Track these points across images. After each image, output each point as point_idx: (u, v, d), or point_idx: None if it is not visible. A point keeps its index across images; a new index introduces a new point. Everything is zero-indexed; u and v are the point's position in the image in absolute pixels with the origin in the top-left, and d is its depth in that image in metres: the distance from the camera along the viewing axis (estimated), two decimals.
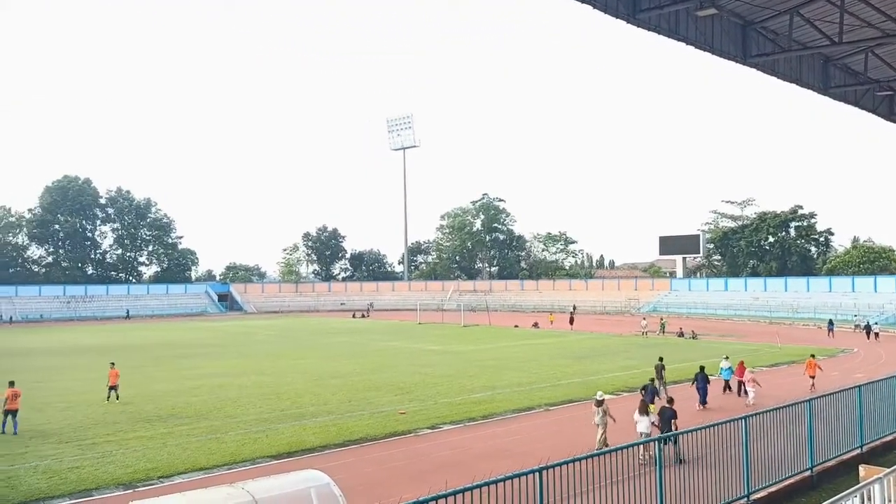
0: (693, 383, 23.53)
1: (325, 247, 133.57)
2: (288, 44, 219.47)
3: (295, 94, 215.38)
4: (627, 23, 16.76)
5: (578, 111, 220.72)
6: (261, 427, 20.50)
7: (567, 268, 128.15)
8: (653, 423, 16.50)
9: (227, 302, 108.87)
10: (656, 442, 12.05)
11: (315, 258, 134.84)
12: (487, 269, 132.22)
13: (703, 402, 22.97)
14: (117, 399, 24.95)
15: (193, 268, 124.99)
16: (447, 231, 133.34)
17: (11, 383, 20.59)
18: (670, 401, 17.03)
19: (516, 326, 64.57)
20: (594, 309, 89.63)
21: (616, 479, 10.34)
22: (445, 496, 7.86)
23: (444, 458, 16.84)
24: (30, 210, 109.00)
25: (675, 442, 13.12)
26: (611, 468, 10.29)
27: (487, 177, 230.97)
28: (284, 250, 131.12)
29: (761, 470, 13.09)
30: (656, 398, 20.64)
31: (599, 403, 17.27)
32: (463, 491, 8.02)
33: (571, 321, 61.98)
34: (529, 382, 28.79)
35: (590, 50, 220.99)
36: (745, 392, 24.31)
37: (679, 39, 17.83)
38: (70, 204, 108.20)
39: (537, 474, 9.10)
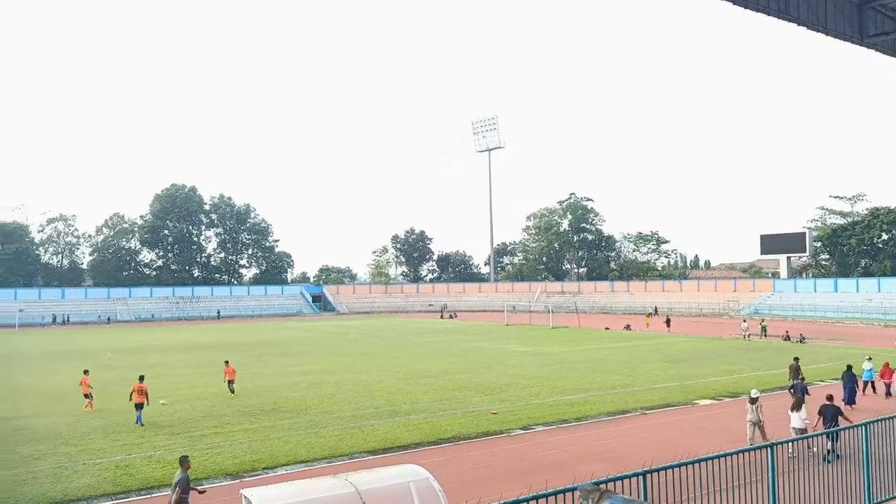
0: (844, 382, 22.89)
1: (413, 249, 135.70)
2: (376, 47, 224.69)
3: (383, 99, 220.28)
4: (734, 4, 15.95)
5: (670, 105, 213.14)
6: (356, 423, 21.01)
7: (659, 268, 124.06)
8: (805, 420, 16.32)
9: (320, 303, 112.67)
10: (823, 437, 12.65)
11: (403, 260, 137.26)
12: (575, 270, 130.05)
13: (851, 401, 22.18)
14: (232, 393, 26.26)
15: (289, 270, 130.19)
16: (533, 232, 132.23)
17: (141, 378, 21.99)
18: (829, 398, 16.77)
19: (607, 328, 63.08)
20: (689, 311, 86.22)
21: (735, 484, 9.83)
22: (548, 495, 7.72)
23: (540, 459, 16.63)
24: (141, 217, 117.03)
25: (836, 438, 13.38)
26: (727, 472, 9.78)
27: (574, 176, 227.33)
28: (374, 253, 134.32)
29: None
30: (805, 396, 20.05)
31: (753, 401, 17.09)
32: (566, 491, 7.85)
33: (668, 323, 59.77)
34: (624, 385, 28.01)
35: (679, 39, 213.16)
36: (889, 393, 24.30)
37: (789, 20, 16.77)
38: (178, 210, 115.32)
39: (641, 478, 8.80)
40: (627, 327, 62.98)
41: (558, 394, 26.02)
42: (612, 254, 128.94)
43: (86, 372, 25.26)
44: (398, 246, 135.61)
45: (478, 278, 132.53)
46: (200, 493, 12.66)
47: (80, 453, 17.76)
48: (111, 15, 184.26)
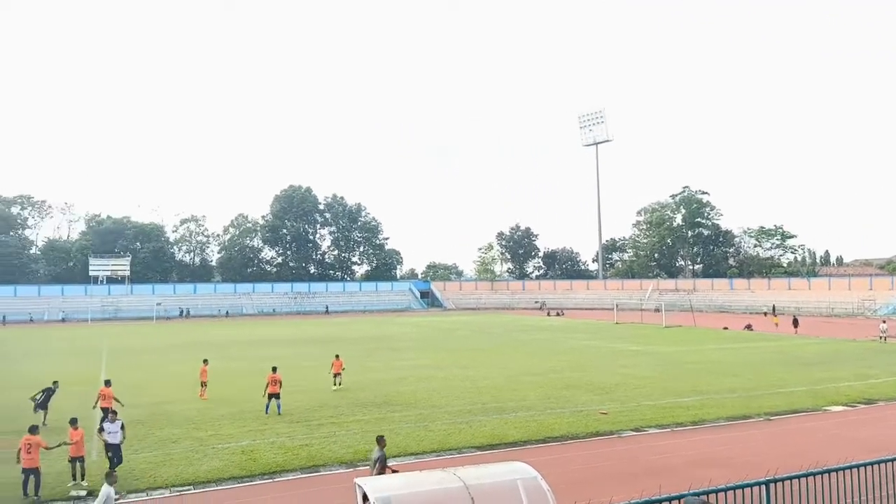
0: None
1: (519, 245, 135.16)
2: (477, 44, 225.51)
3: (487, 95, 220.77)
4: None
5: (793, 89, 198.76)
6: (464, 418, 21.25)
7: (784, 265, 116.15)
8: None
9: (428, 299, 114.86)
10: None
11: (509, 257, 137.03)
12: (690, 267, 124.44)
13: None
14: (339, 385, 27.37)
15: (398, 267, 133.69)
16: (644, 227, 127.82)
17: (274, 369, 23.24)
18: None
19: (726, 328, 59.87)
20: (819, 311, 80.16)
21: (869, 498, 9.09)
22: (662, 501, 7.48)
23: (652, 463, 16.09)
24: (263, 217, 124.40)
25: None
26: (860, 485, 9.06)
27: (687, 168, 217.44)
28: (480, 249, 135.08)
29: None
30: None
31: None
32: (680, 497, 7.57)
33: (795, 324, 55.82)
34: (744, 388, 26.49)
35: (804, 18, 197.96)
36: None
37: None
38: (295, 210, 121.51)
39: (764, 487, 8.32)
40: (748, 327, 59.45)
41: (672, 396, 25.02)
42: (731, 249, 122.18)
43: (205, 362, 26.93)
44: (504, 243, 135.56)
45: (585, 275, 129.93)
46: (394, 471, 13.01)
47: (210, 438, 19.12)
48: (236, 19, 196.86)
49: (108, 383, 21.30)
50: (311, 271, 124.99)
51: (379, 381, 29.13)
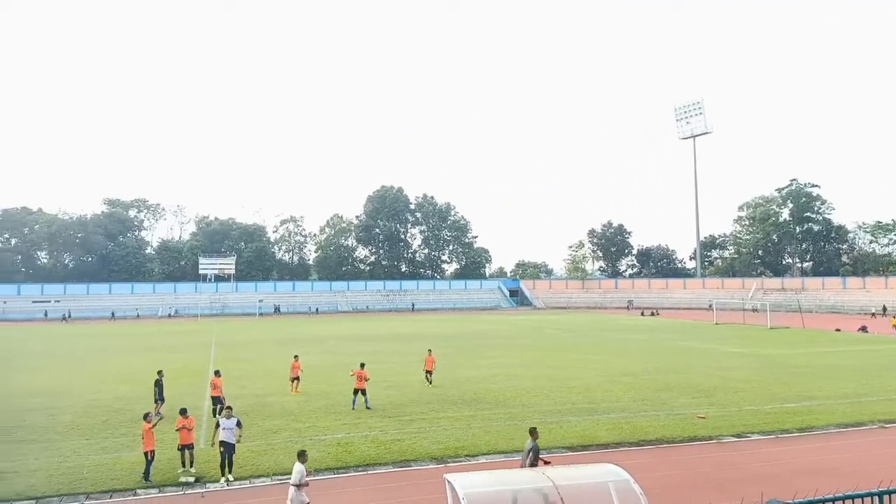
0: None
1: (611, 243, 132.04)
2: (570, 38, 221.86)
3: (579, 91, 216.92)
4: None
5: None
6: (554, 418, 21.05)
7: None
8: None
9: (517, 297, 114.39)
10: None
11: (600, 255, 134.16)
12: (798, 265, 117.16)
13: None
14: (430, 383, 27.72)
15: (487, 265, 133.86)
16: (746, 223, 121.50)
17: (362, 365, 24.02)
18: None
19: (838, 330, 56.00)
20: None
21: None
22: None
23: (755, 470, 15.33)
24: (357, 217, 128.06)
25: None
26: None
27: (794, 161, 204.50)
28: (570, 247, 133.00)
29: None
30: None
31: None
32: None
33: None
34: (858, 394, 24.72)
35: None
36: None
37: None
38: (387, 210, 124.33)
39: (877, 498, 7.77)
40: (863, 329, 55.35)
41: (777, 401, 23.71)
42: (844, 246, 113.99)
43: (296, 357, 27.87)
44: (595, 240, 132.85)
45: (682, 273, 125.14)
46: (546, 462, 13.23)
47: (308, 430, 19.93)
48: (337, 21, 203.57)
49: (217, 374, 22.72)
50: (403, 270, 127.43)
51: (468, 379, 29.32)
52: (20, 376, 32.08)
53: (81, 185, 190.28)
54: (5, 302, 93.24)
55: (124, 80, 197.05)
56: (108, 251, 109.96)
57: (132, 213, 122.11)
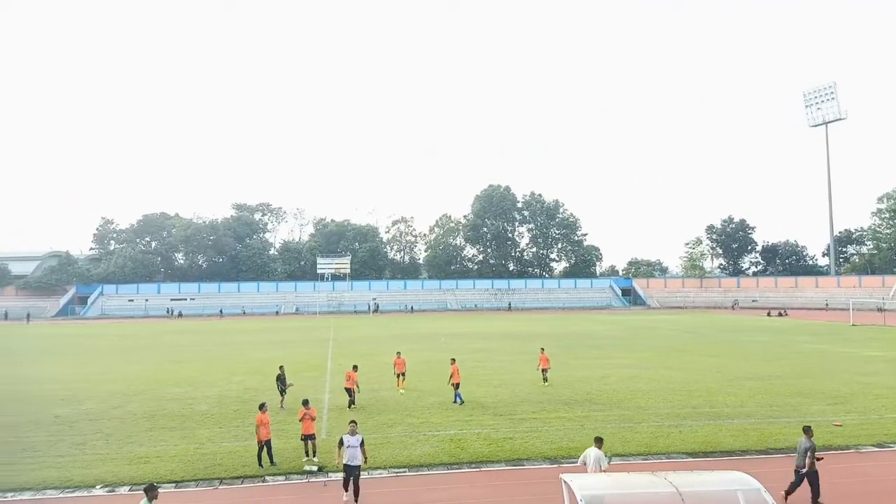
0: None
1: (731, 239, 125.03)
2: (686, 25, 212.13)
3: (694, 76, 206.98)
4: None
5: None
6: (673, 421, 20.21)
7: None
8: None
9: (629, 296, 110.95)
10: None
11: (720, 252, 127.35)
12: None
13: None
14: (546, 381, 27.45)
15: (597, 263, 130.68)
16: (887, 216, 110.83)
17: (453, 360, 24.46)
18: None
19: None
20: None
21: None
22: None
23: None
24: (464, 216, 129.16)
25: None
26: None
27: None
28: (686, 244, 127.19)
29: None
30: None
31: None
32: None
33: None
34: None
35: None
36: None
37: None
38: (494, 209, 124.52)
39: None
40: None
41: None
42: None
43: (399, 354, 28.41)
44: (714, 236, 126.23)
45: (813, 271, 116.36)
46: (819, 459, 13.01)
47: (422, 425, 20.34)
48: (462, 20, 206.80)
49: (355, 368, 24.09)
50: (511, 268, 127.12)
51: (580, 379, 28.77)
52: (163, 367, 35.02)
53: (213, 192, 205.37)
54: (147, 300, 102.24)
55: (251, 94, 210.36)
56: (236, 252, 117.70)
57: (257, 216, 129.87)
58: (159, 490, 10.97)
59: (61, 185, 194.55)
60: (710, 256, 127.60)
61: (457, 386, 23.65)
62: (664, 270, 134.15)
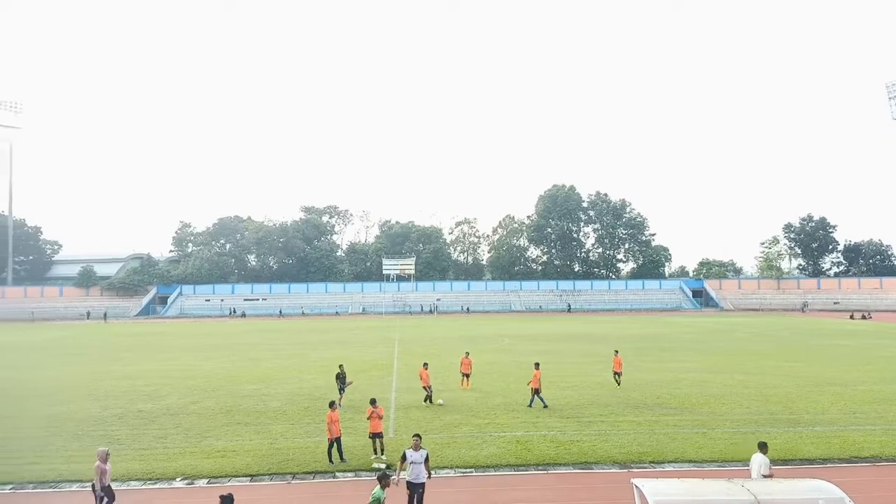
0: None
1: (811, 239, 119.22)
2: (761, 19, 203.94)
3: (769, 71, 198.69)
4: None
5: None
6: (749, 428, 19.47)
7: None
8: None
9: (701, 298, 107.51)
10: None
11: (799, 252, 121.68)
12: None
13: None
14: (619, 384, 26.93)
15: (666, 264, 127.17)
16: None
17: (536, 365, 24.16)
18: None
19: None
20: None
21: None
22: None
23: None
24: (528, 217, 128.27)
25: None
26: None
27: None
28: (762, 244, 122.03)
29: None
30: None
31: None
32: None
33: None
34: None
35: None
36: None
37: None
38: (559, 209, 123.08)
39: None
40: None
41: None
42: None
43: (466, 354, 28.63)
44: (792, 236, 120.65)
45: None
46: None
47: (487, 426, 20.32)
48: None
49: (426, 366, 24.68)
50: (576, 269, 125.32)
51: (650, 382, 28.08)
52: (238, 365, 36.33)
53: (283, 195, 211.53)
54: (222, 300, 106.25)
55: (320, 101, 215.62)
56: (305, 254, 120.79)
57: (325, 218, 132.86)
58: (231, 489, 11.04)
59: (143, 191, 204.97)
60: (787, 256, 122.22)
61: (536, 391, 23.17)
62: (738, 271, 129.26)
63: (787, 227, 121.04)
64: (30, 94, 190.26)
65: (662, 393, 25.50)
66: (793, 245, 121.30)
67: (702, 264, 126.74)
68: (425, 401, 23.72)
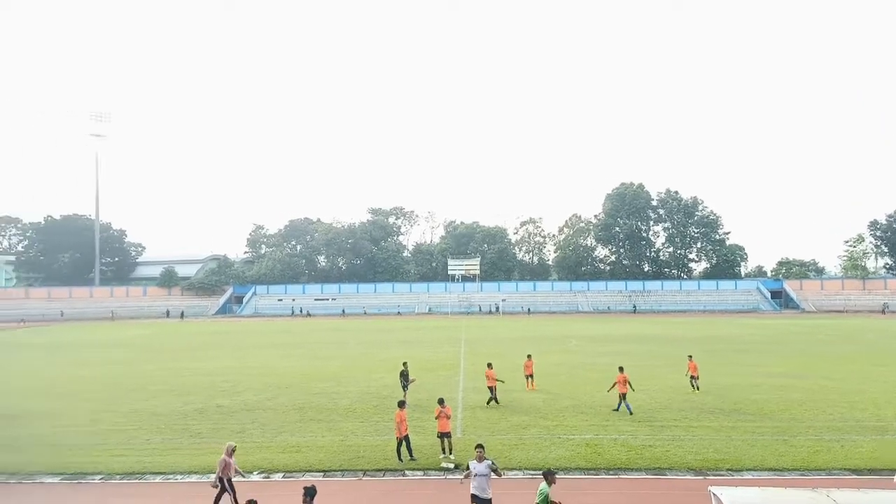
0: None
1: None
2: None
3: (848, 60, 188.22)
4: None
5: None
6: (833, 435, 18.54)
7: None
8: None
9: (780, 299, 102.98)
10: None
11: (886, 250, 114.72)
12: None
13: None
14: (696, 389, 25.98)
15: (742, 264, 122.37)
16: None
17: (621, 369, 23.30)
18: None
19: None
20: None
21: None
22: None
23: None
24: (595, 216, 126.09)
25: None
26: None
27: None
28: (846, 242, 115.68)
29: None
30: None
31: None
32: None
33: None
34: None
35: None
36: None
37: None
38: (627, 208, 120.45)
39: None
40: None
41: None
42: None
43: (529, 357, 28.36)
44: (879, 234, 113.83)
45: None
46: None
47: (556, 428, 20.13)
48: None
49: (490, 366, 24.64)
50: (646, 269, 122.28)
51: (726, 386, 27.12)
52: (310, 363, 37.33)
53: (351, 197, 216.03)
54: (294, 299, 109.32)
55: (387, 104, 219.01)
56: (372, 254, 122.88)
57: (391, 219, 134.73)
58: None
59: (220, 195, 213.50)
60: (873, 255, 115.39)
61: (623, 396, 22.31)
62: (820, 271, 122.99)
63: (873, 225, 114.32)
64: (112, 102, 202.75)
65: (740, 398, 24.57)
66: (879, 243, 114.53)
67: (781, 264, 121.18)
68: (488, 402, 23.68)
